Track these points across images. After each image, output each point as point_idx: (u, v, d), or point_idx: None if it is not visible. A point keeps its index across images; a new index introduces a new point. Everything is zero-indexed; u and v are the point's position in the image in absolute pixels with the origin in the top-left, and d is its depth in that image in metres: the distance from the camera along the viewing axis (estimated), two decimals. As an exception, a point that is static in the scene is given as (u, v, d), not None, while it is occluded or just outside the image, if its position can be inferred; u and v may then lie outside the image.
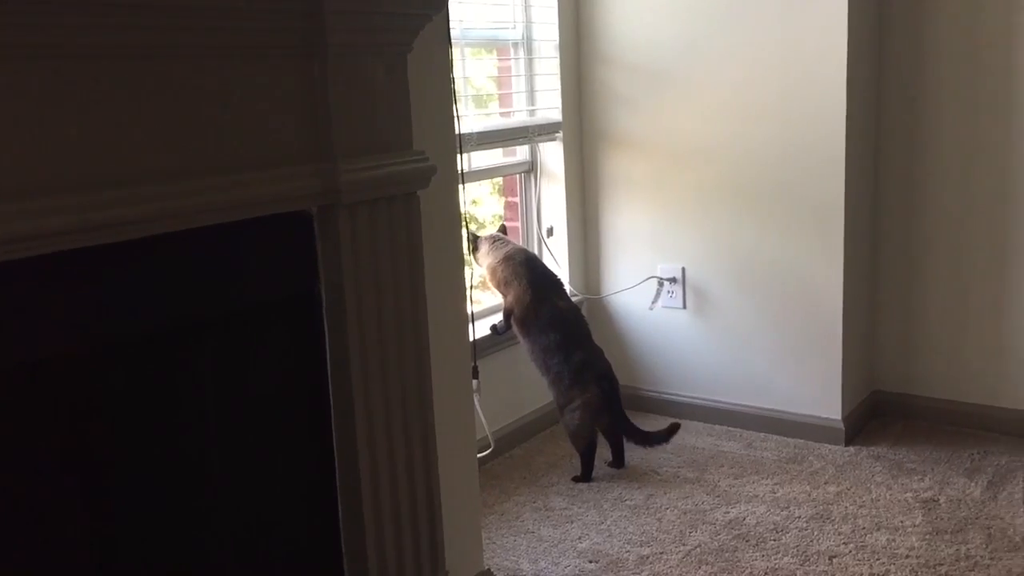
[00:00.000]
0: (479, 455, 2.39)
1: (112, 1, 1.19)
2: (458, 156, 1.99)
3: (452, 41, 1.94)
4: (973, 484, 2.92)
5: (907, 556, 2.52)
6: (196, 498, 1.54)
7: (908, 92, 3.29)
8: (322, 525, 1.70)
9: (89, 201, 1.22)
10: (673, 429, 3.08)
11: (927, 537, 2.61)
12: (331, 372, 1.65)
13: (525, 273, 3.06)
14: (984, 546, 2.55)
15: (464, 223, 2.26)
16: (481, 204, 3.90)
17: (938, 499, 2.83)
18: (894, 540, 2.60)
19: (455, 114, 1.94)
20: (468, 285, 2.22)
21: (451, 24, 1.93)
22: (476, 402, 2.38)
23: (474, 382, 2.29)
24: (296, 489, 1.68)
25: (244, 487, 1.60)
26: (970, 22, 3.15)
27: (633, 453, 3.13)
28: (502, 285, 3.10)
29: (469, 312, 2.20)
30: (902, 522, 2.70)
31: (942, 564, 2.47)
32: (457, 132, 1.96)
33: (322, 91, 1.50)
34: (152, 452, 1.47)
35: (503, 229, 3.29)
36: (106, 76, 1.24)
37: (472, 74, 3.42)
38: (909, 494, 2.87)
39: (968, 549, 2.54)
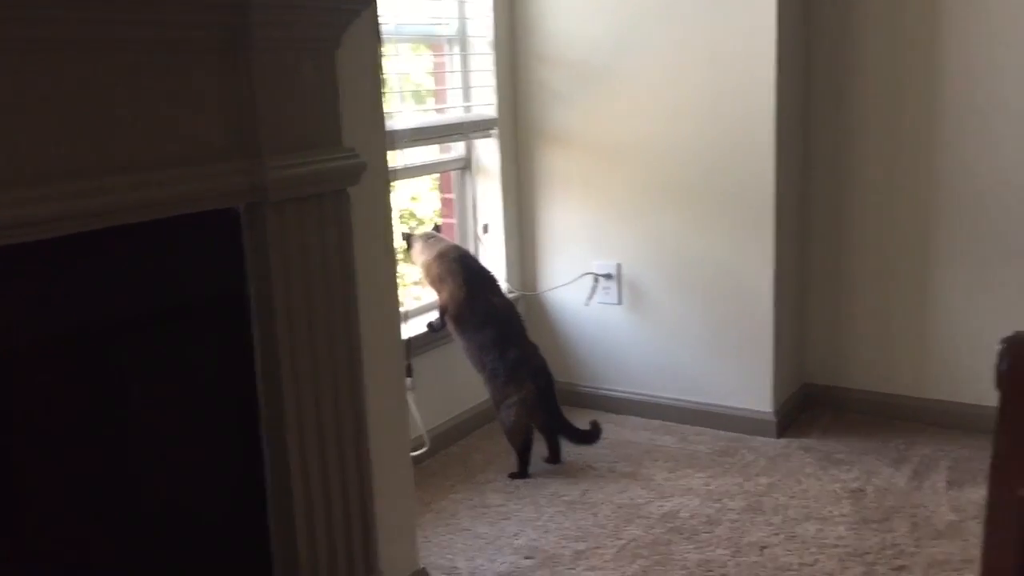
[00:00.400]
0: (414, 453, 2.38)
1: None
2: (389, 153, 1.98)
3: (385, 37, 1.92)
4: (899, 474, 2.99)
5: (835, 546, 2.57)
6: (122, 500, 1.51)
7: (836, 88, 3.36)
8: (252, 526, 1.68)
9: (6, 199, 1.19)
10: (596, 427, 3.11)
11: (854, 526, 2.67)
12: (260, 371, 1.63)
13: (459, 270, 3.05)
14: (909, 534, 2.62)
15: (397, 220, 2.25)
16: (420, 200, 3.88)
17: (865, 489, 2.90)
18: (823, 530, 2.66)
19: (385, 110, 1.92)
20: (401, 282, 2.21)
21: (384, 20, 1.91)
22: (410, 400, 2.36)
23: (408, 380, 2.28)
24: (226, 490, 1.66)
25: (172, 489, 1.57)
26: (896, 21, 3.22)
27: (569, 449, 3.15)
28: (436, 282, 3.09)
29: (402, 310, 2.19)
30: (831, 512, 2.76)
31: (869, 553, 2.53)
32: (388, 128, 1.94)
33: (248, 87, 1.47)
34: (76, 454, 1.43)
35: (437, 228, 3.28)
36: (23, 71, 1.20)
37: (408, 70, 3.40)
38: (837, 485, 2.94)
39: (894, 537, 2.60)
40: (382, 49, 1.91)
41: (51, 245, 1.27)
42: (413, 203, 3.85)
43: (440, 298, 3.10)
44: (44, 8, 1.19)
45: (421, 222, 3.79)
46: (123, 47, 1.33)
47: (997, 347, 1.19)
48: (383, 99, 1.93)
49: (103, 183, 1.31)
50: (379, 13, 1.85)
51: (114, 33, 1.30)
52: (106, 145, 1.32)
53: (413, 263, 3.16)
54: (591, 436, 3.10)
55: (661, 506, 2.83)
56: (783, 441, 3.28)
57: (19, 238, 1.21)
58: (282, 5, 1.45)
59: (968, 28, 3.10)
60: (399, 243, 3.06)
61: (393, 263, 2.06)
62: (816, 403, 3.57)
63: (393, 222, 2.05)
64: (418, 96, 3.45)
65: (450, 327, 3.09)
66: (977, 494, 2.79)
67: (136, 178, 1.36)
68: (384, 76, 1.93)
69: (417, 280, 3.24)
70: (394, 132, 2.08)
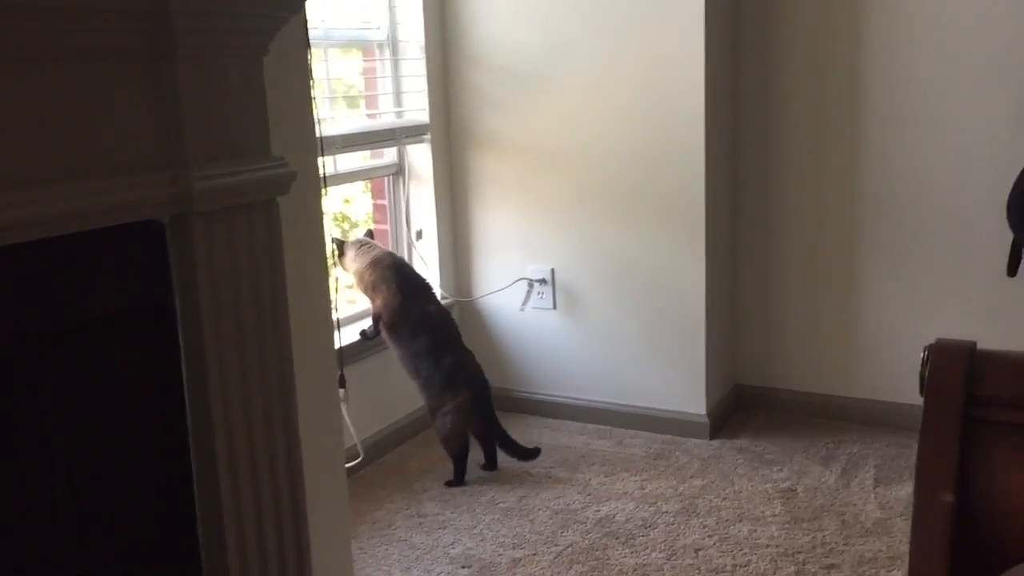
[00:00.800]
0: (348, 464, 2.35)
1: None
2: (320, 160, 1.95)
3: (315, 41, 1.90)
4: (828, 472, 3.05)
5: (767, 545, 2.61)
6: (42, 521, 1.46)
7: (763, 94, 3.42)
8: (181, 543, 1.63)
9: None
10: (536, 452, 3.12)
11: (786, 526, 2.72)
12: (187, 385, 1.59)
13: (393, 277, 3.03)
14: (839, 532, 2.67)
15: (330, 224, 2.22)
16: (353, 203, 3.84)
17: (796, 488, 2.95)
18: (755, 530, 2.70)
19: (315, 118, 1.89)
20: (333, 291, 2.18)
21: (314, 24, 1.88)
22: (344, 410, 2.33)
23: (341, 391, 2.25)
24: (152, 507, 1.61)
25: (96, 509, 1.52)
26: (819, 24, 3.29)
27: (506, 456, 3.14)
28: (370, 290, 3.06)
29: (334, 319, 2.16)
30: (763, 512, 2.80)
31: (800, 552, 2.58)
32: (318, 136, 1.91)
33: (172, 96, 1.43)
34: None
35: (370, 233, 3.25)
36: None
37: (338, 74, 3.36)
38: (769, 484, 2.98)
39: (824, 536, 2.65)
40: (311, 54, 1.88)
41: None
42: (346, 205, 3.81)
43: (374, 306, 3.07)
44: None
45: (355, 225, 3.75)
46: (40, 57, 1.28)
47: (921, 354, 1.21)
48: (313, 106, 1.90)
49: (23, 195, 1.26)
50: (308, 18, 1.82)
51: (31, 42, 1.25)
52: (25, 157, 1.27)
53: (345, 270, 3.12)
54: (529, 454, 3.10)
55: (597, 511, 2.84)
56: (716, 443, 3.32)
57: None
58: (206, 13, 1.42)
59: (891, 32, 3.19)
60: (331, 249, 3.02)
61: (325, 272, 2.03)
62: (748, 404, 3.62)
63: (324, 230, 2.02)
64: (349, 101, 3.41)
65: (384, 335, 3.06)
66: (903, 491, 2.86)
67: (56, 190, 1.31)
68: (313, 82, 1.90)
69: (350, 285, 3.20)
70: (325, 138, 2.05)
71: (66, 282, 1.41)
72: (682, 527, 2.73)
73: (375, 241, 3.21)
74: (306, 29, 1.82)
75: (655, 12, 3.16)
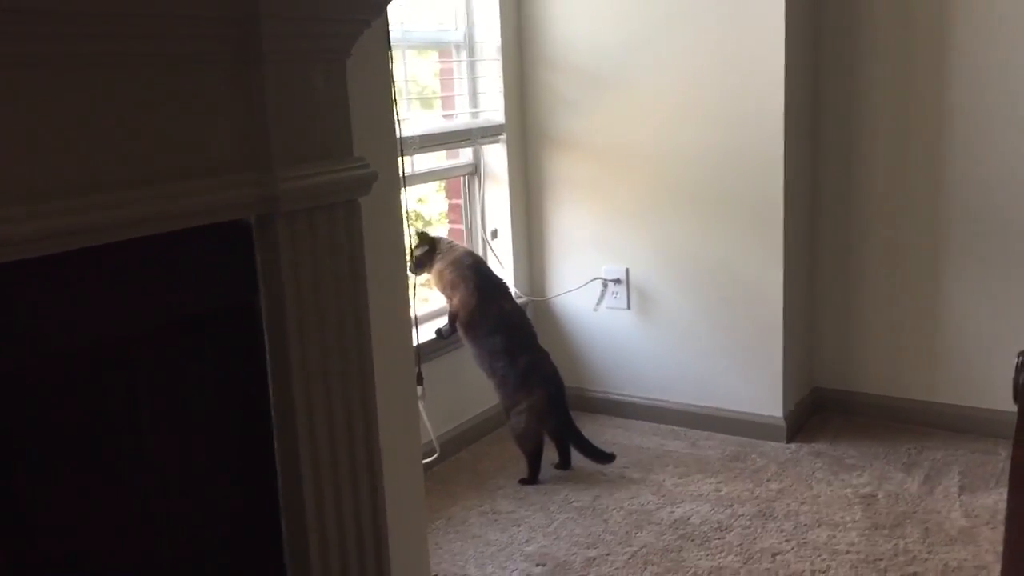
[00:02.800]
0: (425, 461, 2.38)
1: (36, 9, 1.16)
2: (399, 161, 1.97)
3: (393, 43, 1.92)
4: (910, 479, 2.98)
5: (847, 552, 2.56)
6: (131, 516, 1.51)
7: (845, 93, 3.35)
8: (265, 539, 1.68)
9: (18, 214, 1.19)
10: (611, 457, 3.10)
11: (866, 532, 2.66)
12: (272, 382, 1.63)
13: (472, 277, 3.05)
14: (921, 540, 2.61)
15: (408, 226, 2.25)
16: (427, 202, 3.88)
17: (877, 494, 2.89)
18: (834, 536, 2.65)
19: (396, 119, 1.92)
20: (412, 289, 2.21)
21: (392, 26, 1.91)
22: (421, 407, 2.36)
23: (419, 388, 2.27)
24: (237, 503, 1.65)
25: (182, 503, 1.57)
26: (905, 24, 3.21)
27: (580, 455, 3.14)
28: (448, 289, 3.09)
29: (413, 317, 2.19)
30: (842, 518, 2.75)
31: (881, 559, 2.52)
32: (398, 137, 1.94)
33: (259, 99, 1.47)
34: (84, 470, 1.43)
35: (426, 236, 3.24)
36: (32, 86, 1.20)
37: (414, 75, 3.40)
38: (849, 490, 2.93)
39: (906, 543, 2.59)
40: (391, 56, 1.91)
41: (64, 259, 1.27)
42: (420, 205, 3.84)
43: (451, 304, 3.10)
44: (53, 26, 1.19)
45: (428, 223, 3.78)
46: (132, 62, 1.32)
47: (1015, 360, 1.18)
48: (394, 107, 1.92)
49: (115, 197, 1.30)
50: (389, 21, 1.85)
51: (123, 48, 1.30)
52: (117, 159, 1.32)
53: (425, 269, 3.14)
54: (605, 458, 3.09)
55: (672, 512, 2.83)
56: (793, 446, 3.27)
57: (38, 252, 1.21)
58: (293, 18, 1.45)
59: (978, 29, 3.09)
60: (413, 246, 3.05)
61: (404, 271, 2.06)
62: (826, 407, 3.56)
63: (404, 230, 2.05)
64: (424, 102, 3.45)
65: (461, 334, 3.09)
66: (990, 499, 2.78)
67: (147, 192, 1.35)
68: (394, 83, 1.93)
69: (425, 282, 3.23)
70: (403, 139, 2.08)
71: (156, 282, 1.45)
72: (759, 531, 2.70)
73: (452, 239, 3.23)
74: (387, 31, 1.85)
75: (734, 10, 3.12)
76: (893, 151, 3.31)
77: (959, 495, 2.86)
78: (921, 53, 3.21)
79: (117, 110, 1.31)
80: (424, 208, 3.89)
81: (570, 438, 3.10)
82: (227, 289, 1.57)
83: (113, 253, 1.34)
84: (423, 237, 3.11)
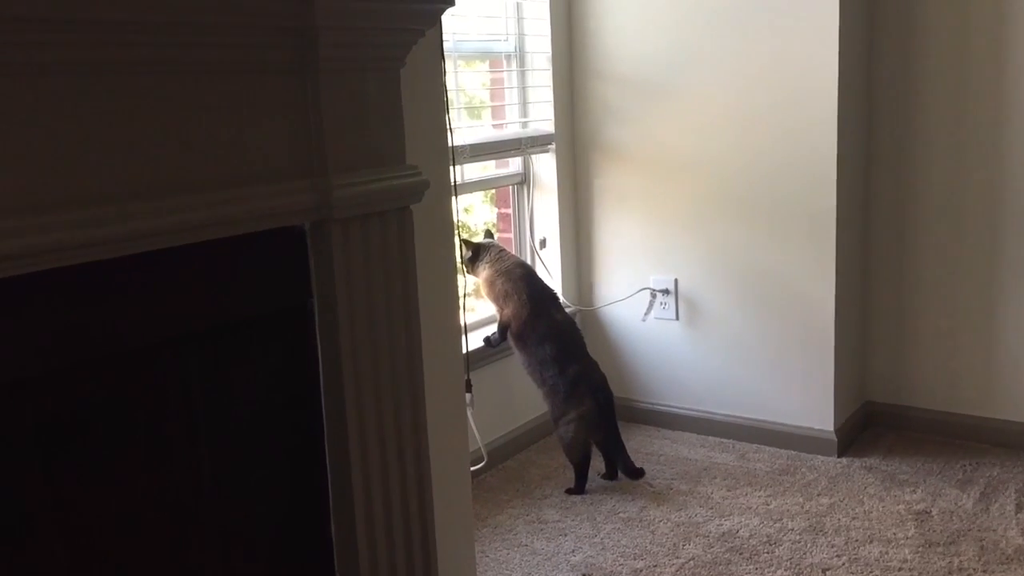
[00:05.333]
0: (472, 468, 2.39)
1: (98, 19, 1.19)
2: (451, 169, 1.99)
3: (445, 54, 1.94)
4: (965, 496, 2.92)
5: (900, 569, 2.52)
6: (184, 516, 1.53)
7: (899, 103, 3.31)
8: (315, 542, 1.69)
9: (76, 219, 1.22)
10: (641, 473, 3.10)
11: (920, 549, 2.61)
12: (324, 386, 1.65)
13: (524, 288, 3.05)
14: (977, 559, 2.55)
15: (458, 233, 2.27)
16: (473, 212, 3.90)
17: (930, 511, 2.83)
18: (887, 552, 2.60)
19: (448, 128, 1.94)
20: (462, 297, 2.22)
21: (445, 36, 1.93)
22: (469, 415, 2.37)
23: (467, 396, 2.28)
24: (288, 506, 1.67)
25: (235, 504, 1.59)
26: (961, 31, 3.16)
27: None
28: (500, 299, 3.09)
29: (462, 324, 2.20)
30: (895, 534, 2.70)
31: (935, 576, 2.48)
32: (450, 145, 1.96)
33: (315, 107, 1.49)
34: (140, 469, 1.46)
35: (489, 234, 3.28)
36: (93, 93, 1.23)
37: (464, 85, 3.43)
38: (901, 506, 2.88)
39: (961, 561, 2.54)
40: (444, 66, 1.93)
41: (123, 262, 1.30)
42: (466, 215, 3.86)
43: (502, 314, 3.10)
44: (115, 33, 1.22)
45: (474, 234, 3.80)
46: (193, 71, 1.35)
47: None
48: (447, 116, 1.94)
49: (175, 202, 1.33)
50: (443, 31, 1.87)
51: (184, 57, 1.33)
52: (177, 166, 1.35)
53: (474, 275, 3.16)
54: (636, 473, 3.08)
55: (720, 525, 2.80)
56: (844, 460, 3.22)
57: (100, 256, 1.25)
58: (349, 28, 1.47)
59: (1038, 39, 3.04)
60: (461, 253, 3.07)
61: (454, 278, 2.07)
62: (878, 422, 3.50)
63: (455, 237, 2.07)
64: (472, 111, 3.47)
65: (511, 343, 3.09)
66: (1048, 518, 2.71)
67: (205, 197, 1.38)
68: (447, 93, 1.95)
69: (470, 291, 3.24)
70: (454, 148, 2.10)
71: (213, 285, 1.48)
72: (809, 545, 2.66)
73: (501, 245, 3.24)
74: (441, 41, 1.87)
75: (786, 18, 3.10)
76: (948, 160, 3.26)
77: (1016, 513, 2.79)
78: (979, 60, 3.15)
79: (178, 118, 1.34)
80: (470, 218, 3.91)
81: (613, 449, 3.08)
82: (281, 293, 1.60)
83: (172, 256, 1.37)
84: (466, 244, 3.12)
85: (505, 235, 3.60)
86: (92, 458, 1.39)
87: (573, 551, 2.69)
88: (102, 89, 1.24)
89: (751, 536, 2.73)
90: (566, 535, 2.78)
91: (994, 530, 2.70)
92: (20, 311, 1.22)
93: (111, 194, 1.26)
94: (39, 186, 1.18)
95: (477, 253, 3.13)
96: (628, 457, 3.08)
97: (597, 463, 3.11)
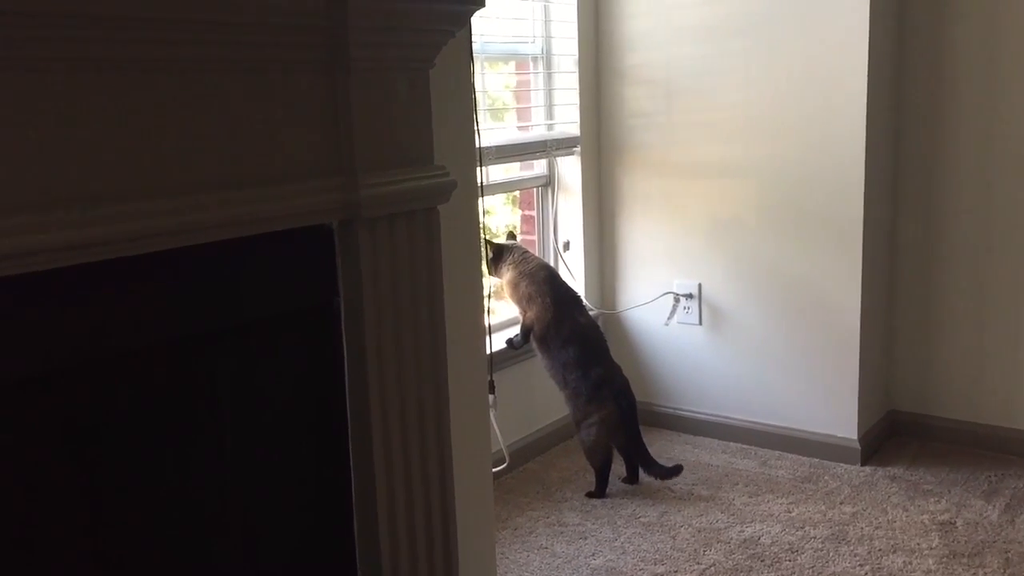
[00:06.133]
0: (494, 469, 2.39)
1: (133, 16, 1.20)
2: (478, 170, 1.99)
3: (473, 55, 1.94)
4: (991, 507, 2.89)
5: (924, 579, 2.50)
6: (209, 511, 1.54)
7: (927, 113, 3.28)
8: (337, 540, 1.70)
9: (107, 214, 1.23)
10: (678, 470, 3.06)
11: (944, 560, 2.59)
12: (349, 384, 1.65)
13: (548, 291, 3.05)
14: (1002, 570, 2.52)
15: (483, 235, 2.27)
16: (494, 214, 3.90)
17: (955, 522, 2.81)
18: (910, 563, 2.58)
19: (476, 129, 1.94)
20: (486, 298, 2.22)
21: (474, 38, 1.93)
22: (492, 416, 2.37)
23: (490, 397, 2.28)
24: (311, 504, 1.68)
25: (258, 502, 1.60)
26: (990, 42, 3.13)
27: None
28: (524, 301, 3.09)
29: (486, 325, 2.20)
30: (919, 544, 2.68)
31: (959, 588, 2.45)
32: (478, 147, 1.96)
33: (345, 106, 1.50)
34: (167, 464, 1.47)
35: (512, 236, 3.27)
36: (127, 89, 1.24)
37: (492, 87, 3.43)
38: (926, 516, 2.85)
39: (985, 573, 2.51)
40: (473, 67, 1.93)
41: (152, 258, 1.31)
42: (487, 216, 3.86)
43: (525, 317, 3.10)
44: (150, 31, 1.23)
45: (495, 236, 3.80)
46: (225, 69, 1.36)
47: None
48: (474, 117, 1.94)
49: (206, 199, 1.34)
50: (472, 33, 1.87)
51: (217, 55, 1.34)
52: (208, 163, 1.35)
53: (497, 276, 3.15)
54: (668, 472, 3.05)
55: (741, 531, 2.78)
56: (868, 469, 3.20)
57: (130, 251, 1.26)
58: (380, 28, 1.48)
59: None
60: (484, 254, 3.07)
61: (479, 279, 2.08)
62: (902, 431, 3.47)
63: (480, 238, 2.07)
64: (497, 114, 3.47)
65: (534, 345, 3.09)
66: (1075, 531, 2.68)
67: (236, 195, 1.39)
68: (475, 94, 1.95)
69: (491, 293, 3.24)
70: (481, 149, 2.10)
71: (241, 282, 1.49)
72: (831, 554, 2.64)
73: (524, 247, 3.23)
74: (470, 42, 1.87)
75: (815, 25, 3.08)
76: (976, 169, 3.23)
77: (1043, 526, 2.76)
78: (1008, 70, 3.12)
79: (206, 115, 1.34)
80: (491, 220, 3.90)
81: (637, 454, 3.07)
82: (307, 291, 1.60)
83: (200, 253, 1.37)
84: (489, 245, 3.12)
85: (529, 237, 3.59)
86: (120, 452, 1.40)
87: (593, 555, 2.68)
88: (137, 87, 1.25)
89: (773, 543, 2.71)
90: (586, 538, 2.77)
91: (1020, 542, 2.67)
92: (52, 305, 1.23)
93: (144, 191, 1.27)
94: (76, 182, 1.20)
95: (500, 254, 3.13)
96: (656, 462, 3.05)
97: (618, 467, 3.10)
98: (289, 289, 1.57)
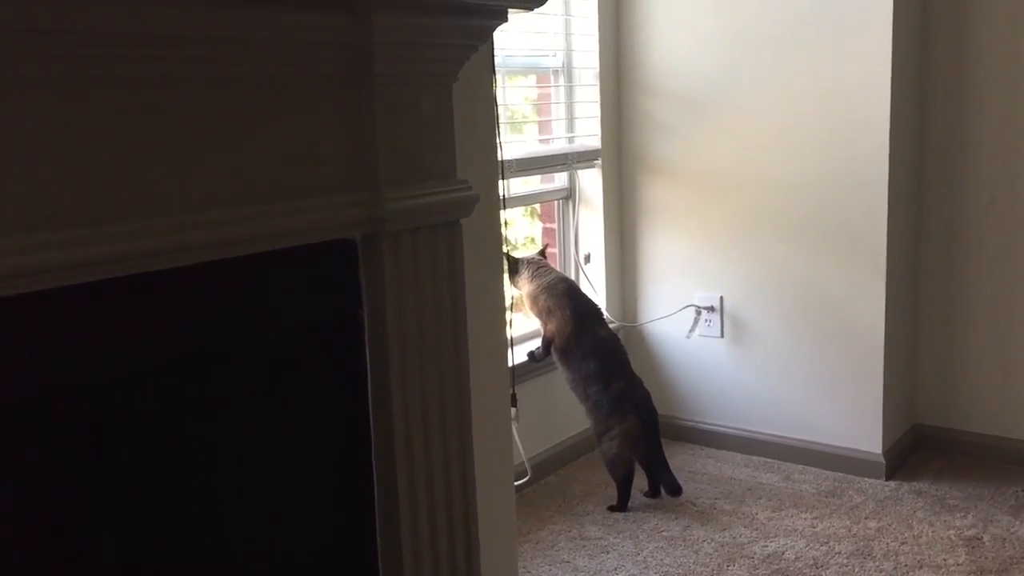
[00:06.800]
0: (516, 482, 2.38)
1: (164, 34, 1.21)
2: (500, 183, 2.00)
3: (495, 69, 1.95)
4: (1018, 522, 2.86)
5: (950, 595, 2.47)
6: (231, 527, 1.55)
7: (953, 125, 3.26)
8: (360, 555, 1.70)
9: (136, 229, 1.24)
10: (679, 491, 3.05)
11: (971, 576, 2.56)
12: (372, 397, 1.65)
13: (568, 304, 3.05)
14: (1030, 587, 2.50)
15: (504, 248, 2.27)
16: (513, 226, 3.90)
17: (982, 537, 2.77)
18: (937, 578, 2.55)
19: (498, 143, 1.94)
20: (509, 311, 2.22)
21: (495, 53, 1.94)
22: (514, 429, 2.37)
23: (512, 410, 2.28)
24: (334, 516, 1.68)
25: (283, 513, 1.60)
26: (1015, 57, 3.11)
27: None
28: (544, 314, 3.09)
29: (509, 338, 2.20)
30: (945, 560, 2.65)
31: (987, 605, 2.42)
32: (500, 160, 1.96)
33: (368, 121, 1.51)
34: (190, 478, 1.48)
35: (543, 253, 3.27)
36: (158, 107, 1.26)
37: (514, 100, 3.44)
38: (952, 531, 2.82)
39: (1014, 590, 2.48)
40: (495, 81, 1.94)
41: (180, 272, 1.32)
42: (506, 229, 3.86)
43: (546, 330, 3.10)
44: (176, 48, 1.25)
45: (514, 247, 3.80)
46: (251, 85, 1.37)
47: None
48: (497, 131, 1.95)
49: (232, 213, 1.35)
50: (494, 47, 1.88)
51: (243, 72, 1.35)
52: (233, 178, 1.37)
53: (517, 288, 3.15)
54: (675, 491, 3.04)
55: (765, 546, 2.76)
56: (892, 483, 3.17)
57: (158, 266, 1.27)
58: (405, 43, 1.49)
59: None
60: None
61: (501, 292, 2.08)
62: (927, 445, 3.44)
63: (503, 252, 2.07)
64: (518, 127, 3.47)
65: (555, 358, 3.08)
66: (1105, 547, 2.64)
67: (261, 209, 1.40)
68: (497, 108, 1.96)
69: (512, 305, 3.24)
70: (502, 163, 2.10)
71: (266, 296, 1.50)
72: (856, 570, 2.62)
73: (547, 261, 3.23)
74: (492, 57, 1.88)
75: (839, 40, 3.07)
76: (1002, 179, 3.20)
77: (1072, 542, 2.72)
78: (1035, 81, 3.10)
79: (236, 131, 1.36)
80: (511, 232, 3.91)
81: (655, 466, 3.06)
82: (332, 305, 1.61)
83: (225, 267, 1.38)
84: (506, 258, 3.12)
85: (550, 250, 3.59)
86: (145, 464, 1.41)
87: (615, 569, 2.67)
88: (162, 103, 1.26)
89: (797, 559, 2.69)
90: (608, 552, 2.76)
91: (1048, 558, 2.64)
92: (76, 320, 1.24)
93: (168, 206, 1.28)
94: (99, 198, 1.21)
95: (516, 268, 3.13)
96: (671, 474, 3.05)
97: (640, 481, 3.09)
98: (313, 302, 1.58)
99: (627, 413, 2.96)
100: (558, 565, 2.70)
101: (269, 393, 1.56)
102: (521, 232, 3.87)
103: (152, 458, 1.42)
